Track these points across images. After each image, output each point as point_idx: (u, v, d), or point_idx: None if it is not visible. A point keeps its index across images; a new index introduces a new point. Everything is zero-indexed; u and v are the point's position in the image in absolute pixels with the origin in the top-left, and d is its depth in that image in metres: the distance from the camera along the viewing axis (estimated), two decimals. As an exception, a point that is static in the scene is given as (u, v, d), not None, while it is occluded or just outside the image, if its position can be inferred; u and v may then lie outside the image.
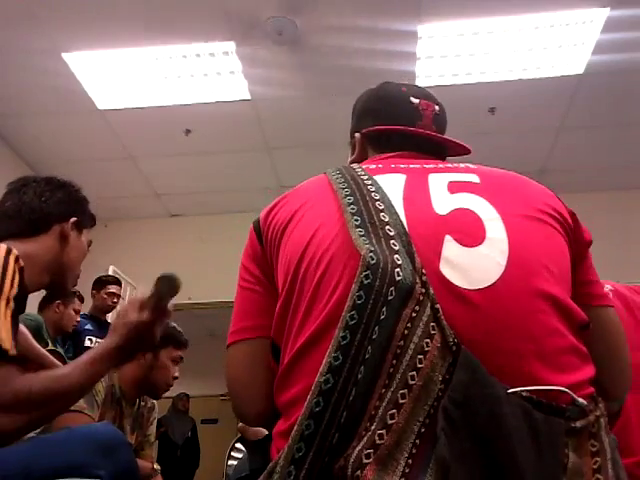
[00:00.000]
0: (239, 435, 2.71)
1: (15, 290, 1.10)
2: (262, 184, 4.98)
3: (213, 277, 5.00)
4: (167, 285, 1.21)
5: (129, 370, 2.10)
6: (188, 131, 4.42)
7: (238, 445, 2.70)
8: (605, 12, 3.37)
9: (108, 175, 4.90)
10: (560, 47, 3.64)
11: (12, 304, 1.09)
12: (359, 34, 3.56)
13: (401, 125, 1.01)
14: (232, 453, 2.73)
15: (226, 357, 0.90)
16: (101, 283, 3.69)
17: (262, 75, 3.89)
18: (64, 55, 3.68)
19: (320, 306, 0.75)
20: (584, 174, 4.91)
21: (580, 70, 3.81)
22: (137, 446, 2.27)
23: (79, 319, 3.15)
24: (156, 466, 2.36)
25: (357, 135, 1.08)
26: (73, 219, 1.39)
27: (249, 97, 4.08)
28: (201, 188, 5.20)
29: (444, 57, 3.74)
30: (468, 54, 3.71)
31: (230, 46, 3.64)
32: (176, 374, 2.18)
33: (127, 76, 3.88)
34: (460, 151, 1.05)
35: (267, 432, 2.40)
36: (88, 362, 1.16)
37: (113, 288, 3.69)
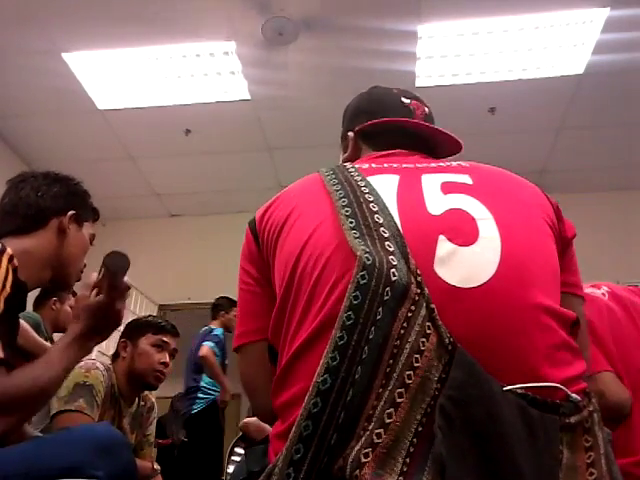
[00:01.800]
0: (240, 434, 2.71)
1: (8, 290, 1.10)
2: (262, 184, 4.98)
3: (213, 277, 5.00)
4: (116, 262, 1.19)
5: (117, 368, 2.12)
6: (188, 131, 4.42)
7: (237, 449, 2.69)
8: (605, 12, 3.37)
9: (108, 175, 4.89)
10: (560, 47, 3.64)
11: (1, 305, 1.08)
12: (359, 34, 3.55)
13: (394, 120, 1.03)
14: (232, 457, 2.73)
15: (237, 360, 0.95)
16: (230, 305, 4.27)
17: (262, 75, 3.89)
18: (64, 55, 3.68)
19: (316, 308, 0.75)
20: (584, 174, 4.91)
21: (580, 70, 3.81)
22: (136, 446, 2.27)
23: None
24: (156, 466, 2.36)
25: (350, 134, 1.09)
26: (71, 212, 1.37)
27: (249, 97, 4.08)
28: (201, 188, 5.20)
29: (444, 57, 3.74)
30: (468, 54, 3.71)
31: (230, 46, 3.64)
32: (164, 359, 2.17)
33: (127, 76, 3.88)
34: (453, 146, 1.06)
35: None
36: (60, 354, 1.16)
37: None
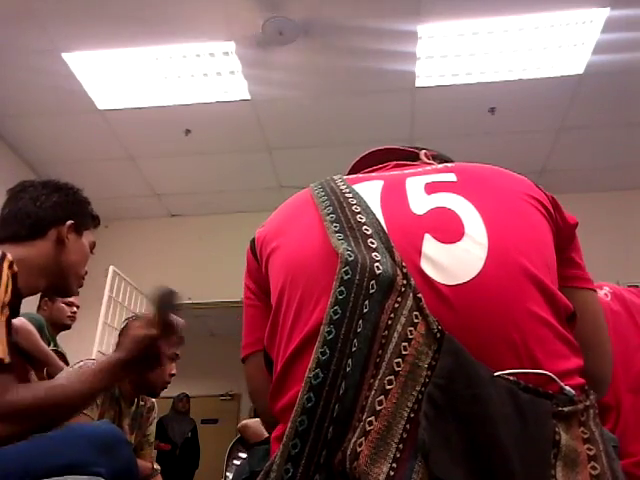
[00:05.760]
0: (238, 435, 2.71)
1: (8, 296, 1.11)
2: (262, 184, 4.98)
3: (213, 277, 5.00)
4: (166, 299, 1.23)
5: None
6: (188, 131, 4.42)
7: (240, 448, 2.70)
8: (605, 12, 3.37)
9: (108, 175, 4.89)
10: (560, 47, 3.64)
11: (6, 310, 1.10)
12: (359, 34, 3.56)
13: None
14: (234, 456, 2.74)
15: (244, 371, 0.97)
16: None
17: (262, 75, 3.89)
18: (64, 55, 3.68)
19: (307, 313, 0.76)
20: (584, 174, 4.91)
21: (580, 70, 3.82)
22: (136, 446, 2.27)
23: (75, 310, 3.10)
24: (156, 466, 2.36)
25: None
26: (70, 222, 1.38)
27: (249, 97, 4.08)
28: (201, 188, 5.20)
29: (444, 57, 3.74)
30: (468, 54, 3.71)
31: (230, 46, 3.65)
32: (173, 371, 2.18)
33: (127, 76, 3.88)
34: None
35: (268, 434, 2.41)
36: (90, 374, 1.17)
37: None
